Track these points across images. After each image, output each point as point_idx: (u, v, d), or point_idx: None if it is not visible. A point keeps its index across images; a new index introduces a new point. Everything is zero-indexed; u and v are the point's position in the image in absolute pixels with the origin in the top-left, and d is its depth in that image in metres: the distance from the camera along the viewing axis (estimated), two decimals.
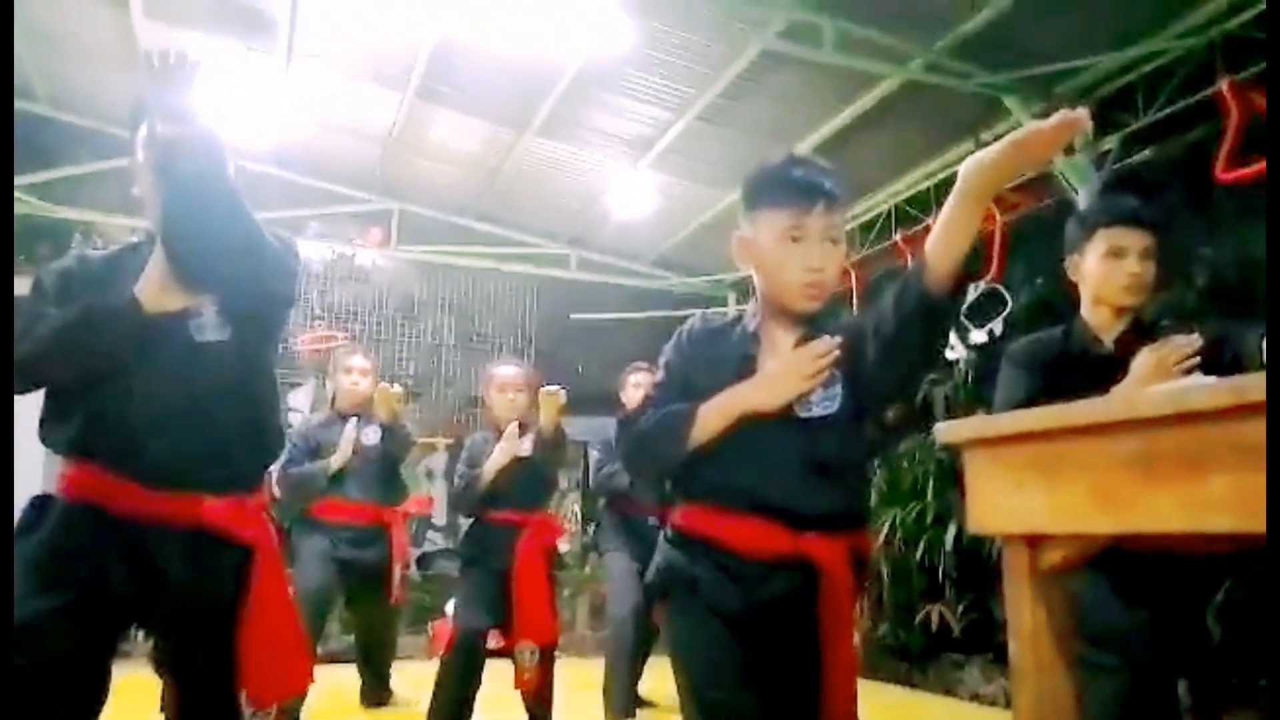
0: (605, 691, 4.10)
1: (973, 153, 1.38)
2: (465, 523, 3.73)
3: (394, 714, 4.28)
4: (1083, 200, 4.80)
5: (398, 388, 4.09)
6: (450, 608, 6.09)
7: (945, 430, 1.26)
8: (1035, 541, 1.14)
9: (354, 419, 4.11)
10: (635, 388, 4.12)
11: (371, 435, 4.08)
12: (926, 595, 5.24)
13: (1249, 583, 3.23)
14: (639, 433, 1.66)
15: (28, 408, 1.68)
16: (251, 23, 5.72)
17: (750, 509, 1.54)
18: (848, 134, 5.77)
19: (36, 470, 1.70)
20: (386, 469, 4.20)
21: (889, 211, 6.49)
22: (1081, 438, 1.07)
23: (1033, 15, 4.57)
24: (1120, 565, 1.84)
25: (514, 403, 3.56)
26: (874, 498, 5.69)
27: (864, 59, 4.97)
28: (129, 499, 1.61)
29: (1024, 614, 1.14)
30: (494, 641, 3.38)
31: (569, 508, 7.92)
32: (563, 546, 7.31)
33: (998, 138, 4.75)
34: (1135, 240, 2.19)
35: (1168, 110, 4.64)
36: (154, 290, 1.64)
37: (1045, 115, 1.35)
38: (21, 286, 1.66)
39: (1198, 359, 1.93)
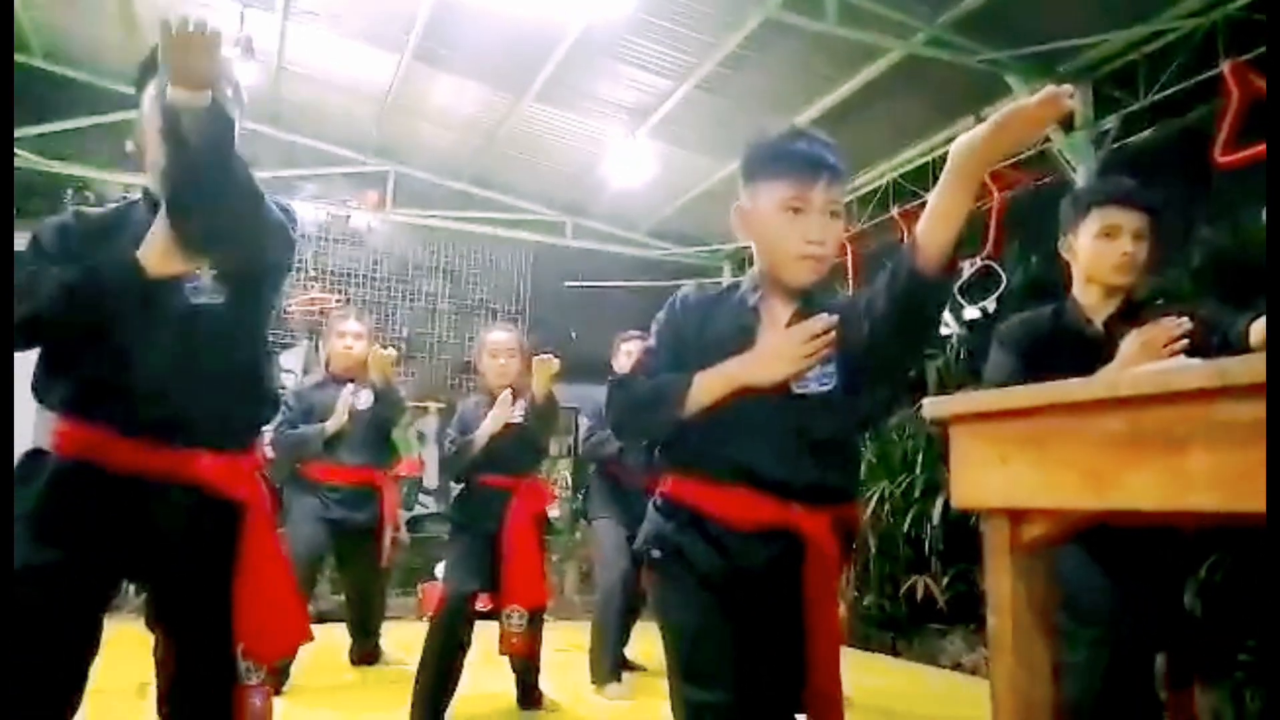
0: (592, 656, 4.15)
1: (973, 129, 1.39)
2: (456, 487, 3.75)
3: (383, 673, 4.33)
4: (1081, 179, 4.80)
5: (391, 352, 4.10)
6: (440, 570, 6.14)
7: (932, 405, 1.27)
8: (1017, 516, 1.16)
9: (348, 383, 4.12)
10: (627, 355, 4.12)
11: (364, 399, 4.09)
12: (912, 567, 5.30)
13: (1233, 559, 3.29)
14: (631, 399, 1.67)
15: (20, 364, 1.68)
16: None
17: (740, 481, 1.55)
18: (848, 106, 5.75)
19: (26, 428, 1.70)
20: (378, 432, 4.22)
21: (887, 186, 6.48)
22: (1065, 415, 1.08)
23: None
24: (1102, 540, 1.87)
25: (505, 368, 3.57)
26: (863, 470, 5.74)
27: (866, 31, 4.94)
28: (125, 455, 1.62)
29: (1003, 587, 1.16)
30: (482, 604, 3.42)
31: (560, 474, 7.96)
32: (552, 512, 7.37)
33: None
34: (1129, 220, 2.19)
35: (1168, 91, 4.63)
36: (156, 255, 1.65)
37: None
38: (17, 242, 1.67)
39: (1185, 341, 1.95)
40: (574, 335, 7.40)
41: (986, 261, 5.41)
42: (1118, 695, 1.91)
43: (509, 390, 3.48)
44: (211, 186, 1.58)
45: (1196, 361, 1.09)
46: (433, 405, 7.75)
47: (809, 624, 1.51)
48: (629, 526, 4.04)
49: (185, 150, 1.54)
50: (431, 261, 8.13)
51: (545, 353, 3.44)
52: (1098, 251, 2.20)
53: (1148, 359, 1.88)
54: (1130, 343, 2.00)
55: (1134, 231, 2.19)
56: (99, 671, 1.64)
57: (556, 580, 6.87)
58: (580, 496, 6.06)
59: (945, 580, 5.09)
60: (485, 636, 3.40)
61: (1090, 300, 2.25)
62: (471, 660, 3.30)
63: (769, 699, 1.56)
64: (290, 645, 1.93)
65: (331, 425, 4.02)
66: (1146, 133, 4.79)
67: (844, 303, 1.66)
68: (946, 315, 5.43)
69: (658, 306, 1.78)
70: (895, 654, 5.38)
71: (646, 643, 4.34)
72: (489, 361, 3.61)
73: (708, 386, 1.58)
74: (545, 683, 3.70)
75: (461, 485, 3.63)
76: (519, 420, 3.46)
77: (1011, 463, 1.14)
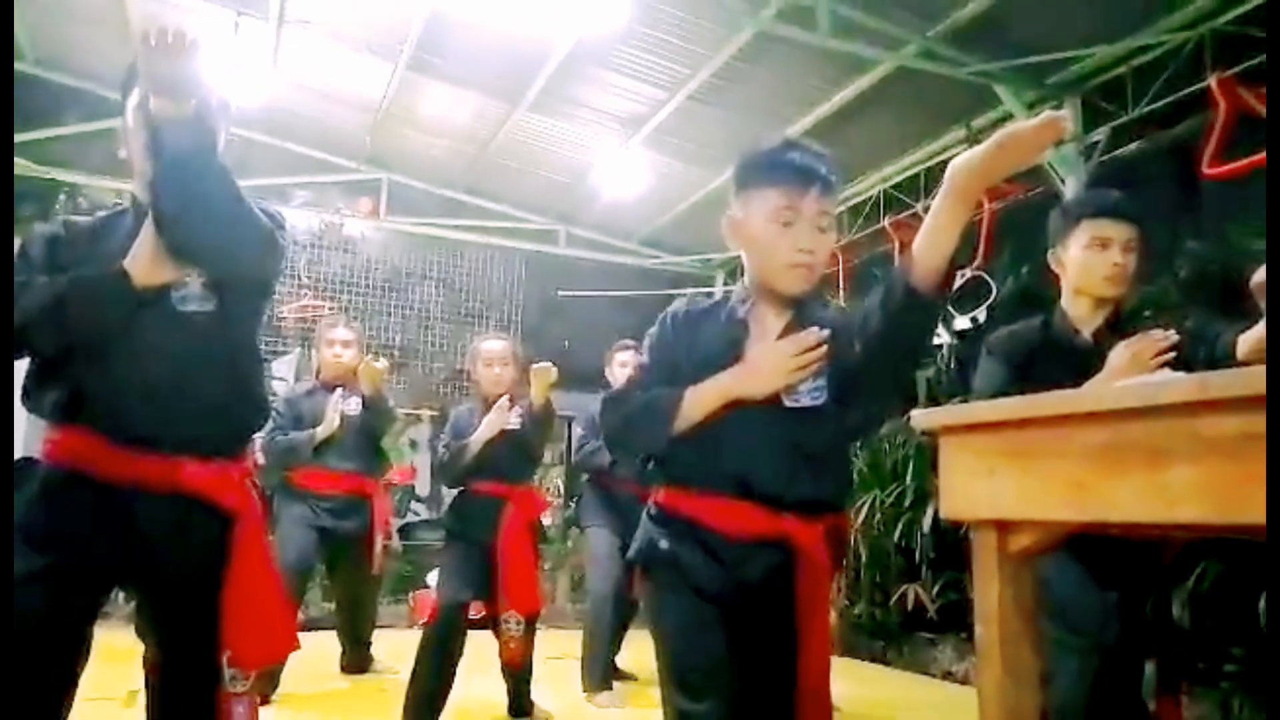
0: (583, 664, 4.15)
1: (963, 140, 1.41)
2: (449, 494, 3.75)
3: (374, 681, 4.33)
4: (1070, 191, 4.84)
5: (382, 362, 4.09)
6: (432, 578, 6.13)
7: (921, 417, 1.29)
8: (1004, 527, 1.18)
9: (338, 390, 4.12)
10: (621, 366, 4.13)
11: (353, 404, 4.09)
12: (903, 576, 5.31)
13: (1220, 569, 3.31)
14: (623, 415, 1.68)
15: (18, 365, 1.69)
16: None
17: (734, 493, 1.57)
18: (840, 118, 5.79)
19: (18, 436, 1.70)
20: (368, 440, 4.22)
21: (878, 196, 6.51)
22: (1052, 427, 1.10)
23: (1026, 5, 4.59)
24: (1092, 549, 1.89)
25: (500, 376, 3.58)
26: (854, 479, 5.75)
27: (858, 43, 4.98)
28: (114, 463, 1.63)
29: (990, 596, 1.18)
30: (475, 612, 3.42)
31: (552, 482, 7.96)
32: (545, 520, 7.36)
33: (989, 125, 4.81)
34: (1119, 232, 2.21)
35: (1157, 104, 4.67)
36: (144, 264, 1.65)
37: (1037, 104, 1.37)
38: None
39: (1173, 354, 1.96)
40: (566, 344, 7.40)
41: (977, 272, 5.44)
42: (1107, 704, 1.92)
43: (507, 397, 3.48)
44: (195, 196, 1.59)
45: (1180, 375, 1.11)
46: (425, 413, 7.74)
47: (801, 633, 1.52)
48: (622, 535, 4.04)
49: (168, 160, 1.56)
50: (424, 270, 8.13)
51: (536, 361, 3.45)
52: (1088, 263, 2.22)
53: (1136, 371, 1.89)
54: (1119, 354, 2.02)
55: (1124, 243, 2.21)
56: (88, 680, 1.64)
57: (549, 588, 6.86)
58: (573, 504, 6.05)
59: (935, 589, 5.10)
60: (476, 645, 3.40)
61: (1079, 311, 2.27)
62: (462, 669, 3.30)
63: (760, 709, 1.57)
64: (277, 653, 1.93)
65: (322, 432, 4.02)
66: (1135, 145, 4.83)
67: (836, 315, 1.67)
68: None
69: (650, 316, 1.79)
70: (886, 663, 5.39)
71: (638, 652, 4.34)
72: (484, 370, 3.62)
73: (699, 400, 1.59)
74: (536, 691, 3.70)
75: (456, 493, 3.63)
76: (515, 427, 3.47)
77: (999, 474, 1.16)
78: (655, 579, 1.65)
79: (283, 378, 7.05)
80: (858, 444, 5.54)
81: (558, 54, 5.73)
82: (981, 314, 5.41)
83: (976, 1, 4.63)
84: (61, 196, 6.86)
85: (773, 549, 1.55)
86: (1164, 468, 0.98)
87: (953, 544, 4.83)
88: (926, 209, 5.84)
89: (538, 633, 3.59)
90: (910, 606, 5.19)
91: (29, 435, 1.76)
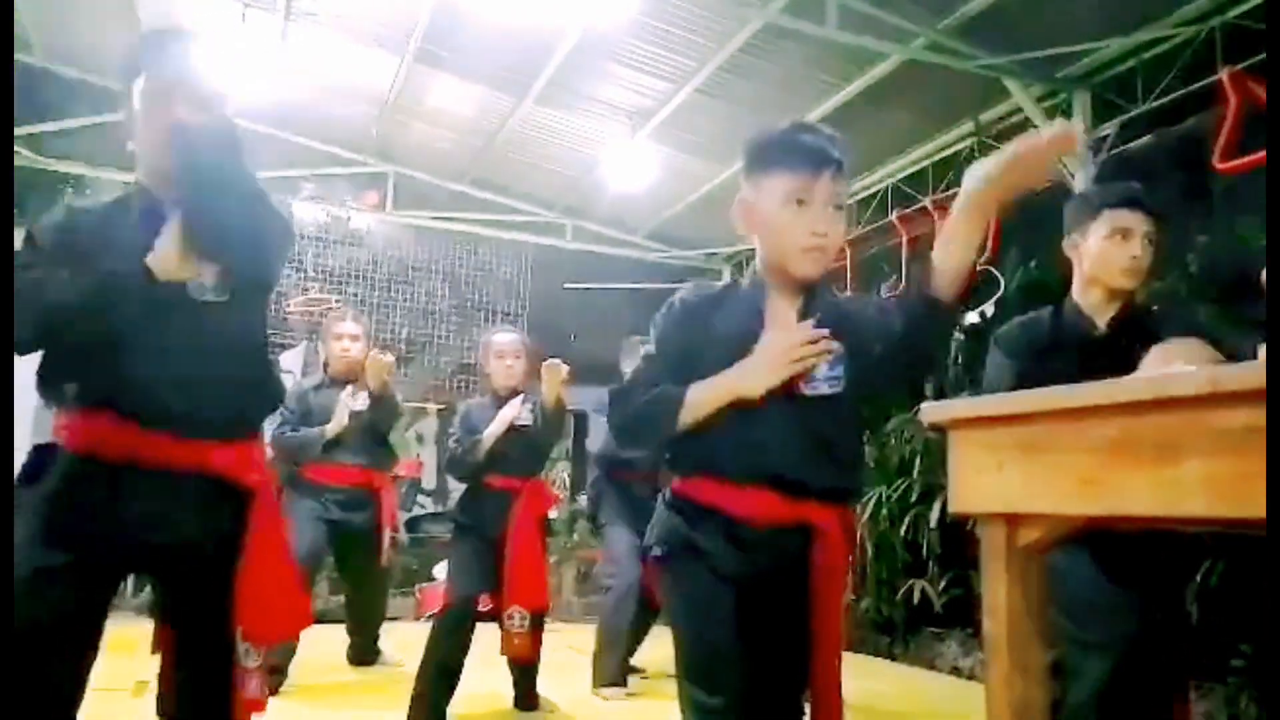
0: (596, 660, 4.13)
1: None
2: (456, 488, 3.75)
3: (382, 674, 4.34)
4: (1079, 185, 4.82)
5: (389, 357, 4.10)
6: (439, 571, 6.15)
7: (930, 410, 1.28)
8: (1013, 521, 1.17)
9: (347, 384, 4.12)
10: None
11: (360, 401, 4.09)
12: (910, 571, 5.31)
13: (1227, 564, 3.30)
14: (629, 412, 1.67)
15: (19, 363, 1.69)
16: None
17: (755, 481, 1.56)
18: (848, 111, 5.76)
19: (26, 423, 1.71)
20: (375, 435, 4.22)
21: (887, 190, 6.50)
22: (1062, 421, 1.09)
23: None
24: (1107, 545, 1.88)
25: (511, 370, 3.58)
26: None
27: (866, 36, 4.95)
28: (145, 446, 1.65)
29: (999, 591, 1.17)
30: (483, 605, 3.42)
31: (558, 475, 7.97)
32: (551, 514, 7.37)
33: (997, 119, 4.76)
34: (1139, 223, 2.20)
35: (1167, 98, 4.65)
36: (169, 262, 1.69)
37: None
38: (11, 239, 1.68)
39: None
40: (573, 337, 7.41)
41: (984, 266, 5.42)
42: (1122, 700, 1.91)
43: (521, 394, 3.48)
44: (223, 200, 1.65)
45: (1191, 369, 1.10)
46: (431, 406, 7.75)
47: (815, 623, 1.52)
48: (640, 532, 4.02)
49: (198, 164, 1.60)
50: (431, 263, 8.14)
51: (550, 356, 3.45)
52: (1107, 253, 2.20)
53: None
54: (1155, 358, 1.99)
55: (1145, 234, 2.19)
56: (96, 671, 1.64)
57: (554, 582, 6.87)
58: (579, 498, 6.06)
59: (942, 584, 5.09)
60: (483, 638, 3.40)
61: (1092, 301, 2.25)
62: (468, 661, 3.31)
63: (774, 701, 1.57)
64: (291, 630, 1.95)
65: (331, 429, 4.02)
66: (1145, 139, 4.81)
67: (850, 301, 1.66)
68: None
69: (656, 309, 1.76)
70: (892, 658, 5.39)
71: (649, 647, 4.34)
72: (495, 363, 3.61)
73: (700, 401, 1.58)
74: (543, 684, 3.71)
75: (466, 487, 3.63)
76: (527, 423, 3.47)
77: (1008, 468, 1.16)
78: (675, 567, 1.64)
79: (289, 370, 7.06)
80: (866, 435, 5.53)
81: (565, 46, 5.72)
82: (989, 309, 5.40)
83: None
84: (68, 189, 6.87)
85: (792, 535, 1.55)
86: (1174, 462, 0.98)
87: (959, 539, 4.83)
88: (935, 203, 5.83)
89: (543, 626, 3.59)
90: (917, 601, 5.18)
91: (38, 423, 1.75)
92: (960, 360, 5.43)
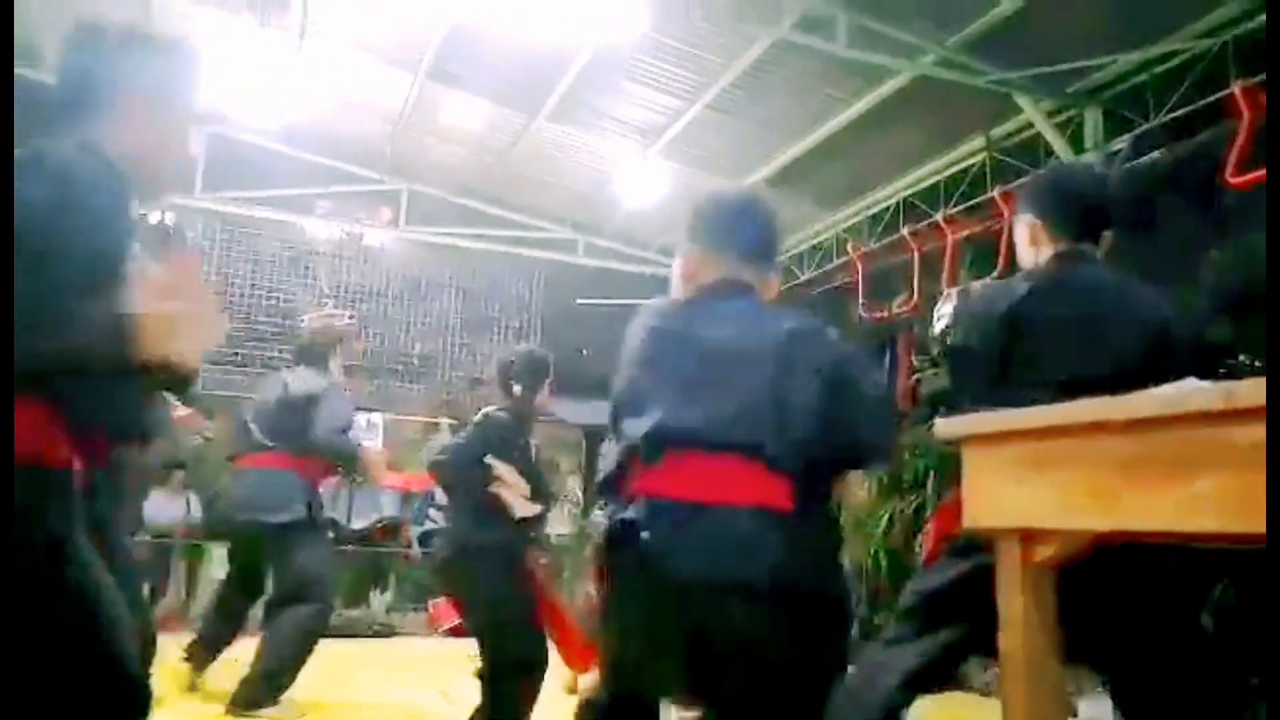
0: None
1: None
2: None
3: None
4: None
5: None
6: None
7: (944, 426, 1.29)
8: (1029, 536, 1.17)
9: None
10: None
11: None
12: None
13: (1240, 582, 3.26)
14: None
15: None
16: None
17: None
18: (858, 127, 5.78)
19: None
20: None
21: (897, 205, 6.49)
22: (1077, 437, 1.09)
23: (1047, 13, 4.57)
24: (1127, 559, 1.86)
25: None
26: (874, 489, 5.73)
27: (877, 53, 4.97)
28: None
29: (1014, 605, 1.17)
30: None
31: (570, 490, 7.97)
32: (563, 529, 7.36)
33: (1008, 135, 4.74)
34: None
35: (1179, 112, 4.64)
36: None
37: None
38: None
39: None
40: (584, 352, 7.42)
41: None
42: None
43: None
44: None
45: (1206, 384, 1.10)
46: (444, 421, 7.77)
47: None
48: None
49: None
50: (444, 279, 8.18)
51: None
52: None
53: None
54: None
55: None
56: None
57: (567, 598, 6.85)
58: (593, 514, 6.04)
59: None
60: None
61: None
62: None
63: None
64: None
65: None
66: (1157, 153, 4.79)
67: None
68: None
69: None
70: None
71: None
72: None
73: None
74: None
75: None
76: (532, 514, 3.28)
77: (1023, 484, 1.16)
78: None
79: None
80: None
81: (577, 64, 5.75)
82: None
83: (996, 10, 4.62)
84: None
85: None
86: (1189, 477, 0.98)
87: None
88: (946, 218, 5.79)
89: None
90: None
91: None
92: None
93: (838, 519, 2.54)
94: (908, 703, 1.81)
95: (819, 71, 5.40)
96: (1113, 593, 1.97)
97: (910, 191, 6.37)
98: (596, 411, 4.96)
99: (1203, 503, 0.97)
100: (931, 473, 5.33)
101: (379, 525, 7.52)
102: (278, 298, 7.95)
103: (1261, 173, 4.02)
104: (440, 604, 6.47)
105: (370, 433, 6.58)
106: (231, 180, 7.43)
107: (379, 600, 7.30)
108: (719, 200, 1.84)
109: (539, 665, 2.96)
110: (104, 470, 1.65)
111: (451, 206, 8.03)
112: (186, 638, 4.02)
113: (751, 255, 1.73)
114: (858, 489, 2.16)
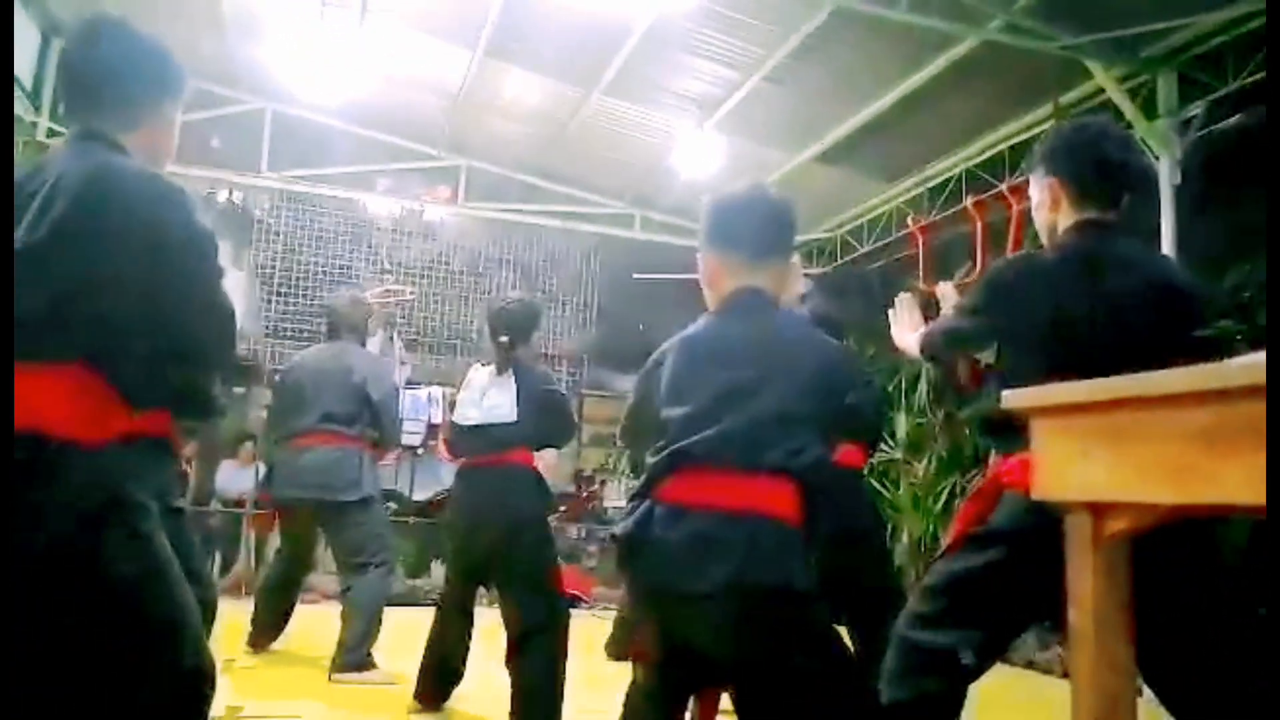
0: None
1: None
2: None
3: None
4: (1165, 168, 4.66)
5: None
6: None
7: (1011, 397, 1.27)
8: (1099, 510, 1.15)
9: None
10: None
11: None
12: None
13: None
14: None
15: None
16: None
17: None
18: (919, 96, 5.67)
19: None
20: None
21: (960, 175, 6.37)
22: (1151, 408, 1.07)
23: None
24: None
25: None
26: (934, 464, 5.66)
27: (939, 19, 4.85)
28: None
29: (1085, 581, 1.15)
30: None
31: (621, 459, 8.02)
32: (619, 502, 7.39)
33: (1078, 101, 4.61)
34: None
35: (1258, 76, 4.46)
36: None
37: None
38: None
39: None
40: (641, 326, 7.43)
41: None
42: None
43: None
44: None
45: None
46: None
47: None
48: None
49: None
50: (502, 254, 8.25)
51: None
52: None
53: None
54: None
55: None
56: None
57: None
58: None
59: None
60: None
61: None
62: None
63: None
64: None
65: None
66: (1234, 119, 4.62)
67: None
68: None
69: None
70: None
71: None
72: None
73: None
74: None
75: None
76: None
77: (1093, 456, 1.13)
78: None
79: None
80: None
81: (633, 37, 5.72)
82: None
83: None
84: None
85: None
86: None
87: None
88: (1010, 189, 5.65)
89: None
90: None
91: None
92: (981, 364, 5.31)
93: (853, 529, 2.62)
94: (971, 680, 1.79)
95: (879, 40, 5.30)
96: (1166, 572, 1.92)
97: (974, 161, 6.24)
98: None
99: None
100: (992, 449, 5.24)
101: (441, 496, 7.65)
102: (341, 272, 8.10)
103: None
104: None
105: (432, 407, 6.68)
106: (295, 158, 7.57)
107: (440, 570, 7.43)
108: (725, 202, 1.89)
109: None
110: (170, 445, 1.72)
111: (509, 182, 8.08)
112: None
113: (761, 254, 1.80)
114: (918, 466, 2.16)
